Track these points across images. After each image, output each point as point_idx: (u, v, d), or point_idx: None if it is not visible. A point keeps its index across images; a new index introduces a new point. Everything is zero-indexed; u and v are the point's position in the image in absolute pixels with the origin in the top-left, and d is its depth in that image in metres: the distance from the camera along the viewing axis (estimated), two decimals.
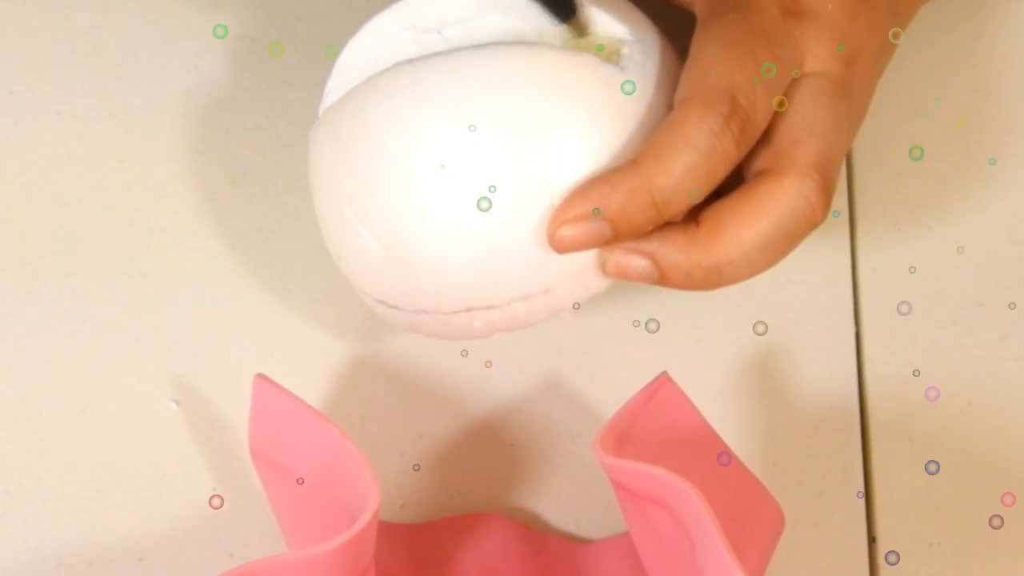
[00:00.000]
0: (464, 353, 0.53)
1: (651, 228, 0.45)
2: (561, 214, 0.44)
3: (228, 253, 0.54)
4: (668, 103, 0.46)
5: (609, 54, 0.47)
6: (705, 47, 0.46)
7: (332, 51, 0.51)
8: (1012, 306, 0.54)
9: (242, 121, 0.55)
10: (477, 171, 0.45)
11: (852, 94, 0.47)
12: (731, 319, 0.54)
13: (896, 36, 0.48)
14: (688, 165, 0.44)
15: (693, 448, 0.48)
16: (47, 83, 0.55)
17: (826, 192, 0.45)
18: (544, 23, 0.48)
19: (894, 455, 0.53)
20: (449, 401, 0.53)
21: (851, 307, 0.55)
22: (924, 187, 0.56)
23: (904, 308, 0.53)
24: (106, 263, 0.54)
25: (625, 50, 0.47)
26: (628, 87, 0.45)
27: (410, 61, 0.47)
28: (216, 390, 0.53)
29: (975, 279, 0.55)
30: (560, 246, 0.45)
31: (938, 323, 0.55)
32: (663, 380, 0.48)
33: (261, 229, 0.54)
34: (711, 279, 0.45)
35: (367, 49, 0.49)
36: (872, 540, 0.53)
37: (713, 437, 0.49)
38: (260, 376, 0.48)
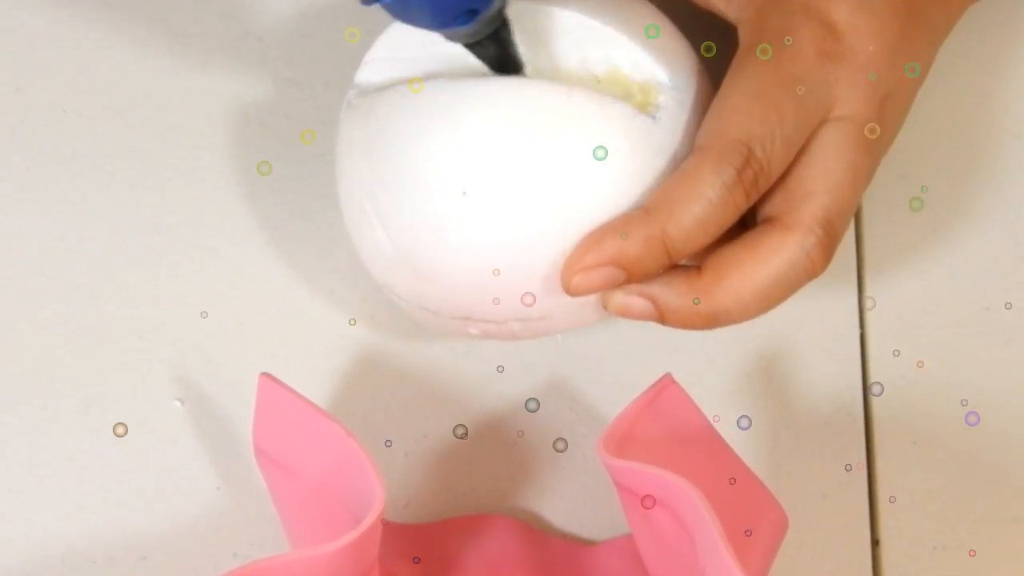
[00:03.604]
0: (469, 344, 0.53)
1: (661, 271, 0.46)
2: (576, 263, 0.45)
3: (232, 252, 0.54)
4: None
5: (645, 103, 0.47)
6: (732, 92, 0.46)
7: (353, 35, 0.51)
8: (1008, 306, 0.54)
9: (247, 121, 0.55)
10: (497, 202, 0.45)
11: (878, 139, 0.47)
12: None
13: (913, 71, 0.48)
14: (699, 217, 0.44)
15: (696, 450, 0.48)
16: (52, 80, 0.55)
17: (828, 248, 0.46)
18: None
19: (898, 458, 0.53)
20: (453, 401, 0.53)
21: (855, 309, 0.55)
22: (929, 189, 0.56)
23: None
24: (110, 261, 0.54)
25: (662, 98, 0.46)
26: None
27: (446, 80, 0.46)
28: (220, 389, 0.53)
29: (979, 282, 0.55)
30: (574, 291, 0.45)
31: (942, 326, 0.55)
32: (667, 381, 0.48)
33: (265, 228, 0.54)
34: (708, 324, 0.46)
35: (406, 35, 0.48)
36: (875, 543, 0.53)
37: (716, 439, 0.49)
38: (265, 375, 0.48)
